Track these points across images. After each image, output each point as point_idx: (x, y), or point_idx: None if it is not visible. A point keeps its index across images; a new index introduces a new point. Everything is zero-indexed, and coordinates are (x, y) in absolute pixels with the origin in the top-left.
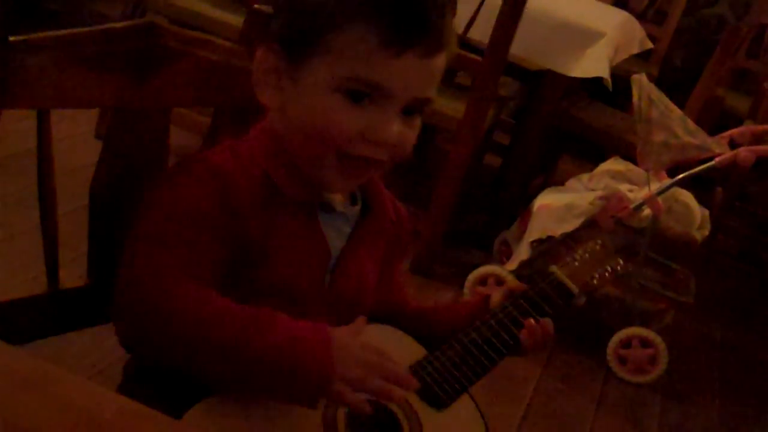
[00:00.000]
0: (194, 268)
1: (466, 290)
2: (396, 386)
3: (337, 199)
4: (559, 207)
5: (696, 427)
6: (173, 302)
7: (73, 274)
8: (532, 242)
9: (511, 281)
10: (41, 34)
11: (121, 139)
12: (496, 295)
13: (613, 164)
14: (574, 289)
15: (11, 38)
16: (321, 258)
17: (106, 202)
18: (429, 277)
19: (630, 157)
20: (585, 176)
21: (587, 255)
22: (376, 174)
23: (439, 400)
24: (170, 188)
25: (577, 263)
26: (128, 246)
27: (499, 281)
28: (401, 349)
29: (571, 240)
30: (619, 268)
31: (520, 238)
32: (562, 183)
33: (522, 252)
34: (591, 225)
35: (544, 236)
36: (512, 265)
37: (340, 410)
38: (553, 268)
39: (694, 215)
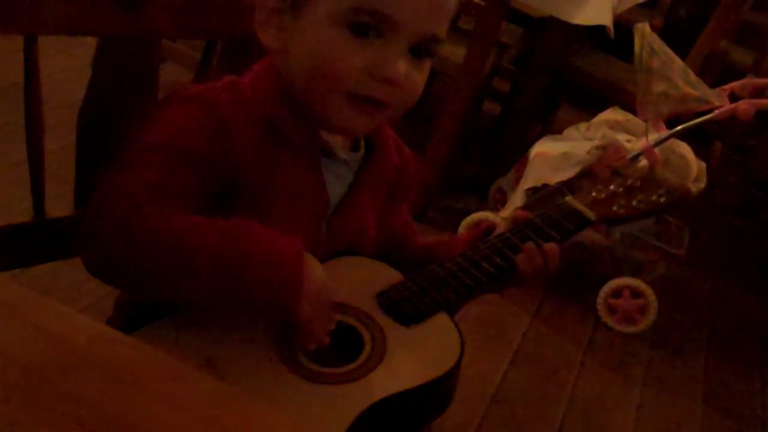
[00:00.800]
0: (166, 193)
1: (459, 234)
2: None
3: (339, 145)
4: (555, 155)
5: (681, 379)
6: (141, 220)
7: (66, 206)
8: (527, 190)
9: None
10: None
11: (110, 70)
12: (502, 226)
13: (612, 114)
14: (591, 215)
15: None
16: (320, 204)
17: (94, 132)
18: (423, 222)
19: (630, 107)
20: (583, 125)
21: (619, 189)
22: (386, 119)
23: (407, 317)
24: (159, 119)
25: (603, 195)
26: (114, 160)
27: (493, 228)
28: (376, 275)
29: (566, 188)
30: (662, 200)
31: (515, 185)
32: (560, 131)
33: (517, 199)
34: (587, 174)
35: (539, 184)
36: (506, 212)
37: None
38: (568, 197)
39: (690, 167)
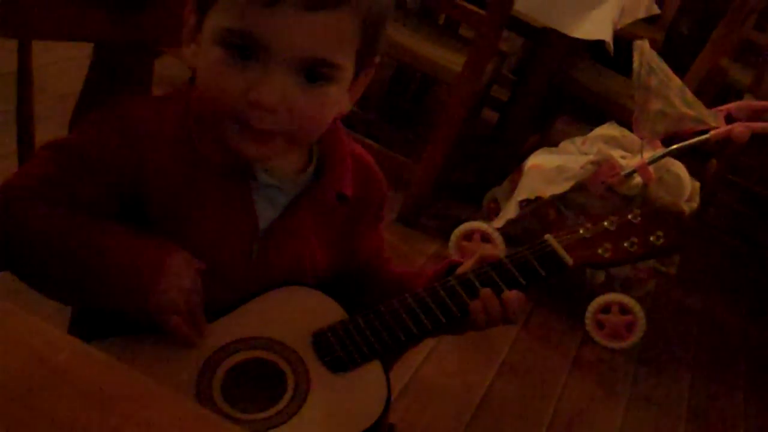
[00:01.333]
0: (55, 191)
1: (451, 244)
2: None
3: (277, 168)
4: (550, 168)
5: (666, 396)
6: (17, 209)
7: None
8: (521, 201)
9: (496, 238)
10: None
11: (104, 72)
12: (467, 263)
13: (608, 129)
14: (568, 260)
15: None
16: (246, 229)
17: None
18: (415, 228)
19: (626, 122)
20: (579, 139)
21: (612, 227)
22: (287, 146)
23: (338, 363)
24: (77, 131)
25: (589, 233)
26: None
27: (485, 237)
28: (316, 311)
29: (559, 202)
30: (661, 242)
31: (509, 196)
32: (556, 143)
33: (510, 210)
34: (581, 189)
35: (532, 196)
36: (499, 222)
37: (217, 372)
38: (548, 237)
39: (684, 186)
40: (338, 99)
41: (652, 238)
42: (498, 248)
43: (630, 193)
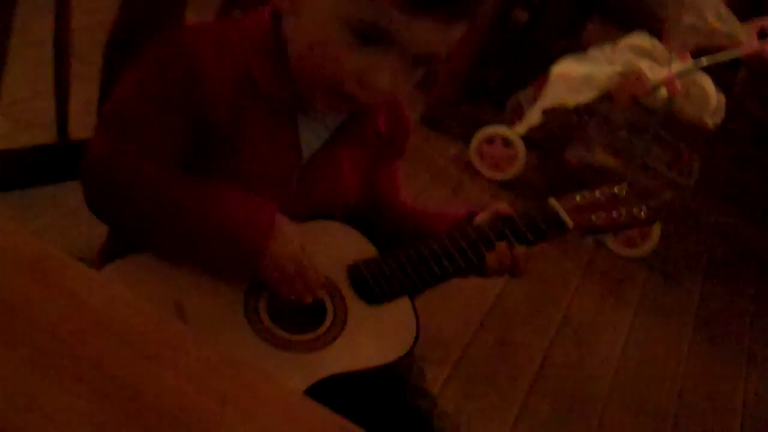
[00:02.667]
0: (154, 152)
1: (472, 147)
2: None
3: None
4: (576, 77)
5: (675, 305)
6: (130, 178)
7: (83, 89)
8: (545, 109)
9: (517, 144)
10: None
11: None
12: (483, 215)
13: (638, 39)
14: (569, 223)
15: None
16: (290, 156)
17: (120, 57)
18: (437, 130)
19: (658, 31)
20: (608, 47)
21: (602, 197)
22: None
23: (373, 296)
24: (142, 65)
25: (584, 200)
26: (101, 117)
27: (506, 142)
28: (350, 246)
29: (583, 111)
30: (642, 214)
31: (534, 101)
32: (586, 46)
33: (533, 117)
34: (606, 98)
35: (557, 104)
36: (521, 128)
37: (261, 296)
38: (551, 200)
39: (709, 101)
40: None
41: (635, 210)
42: (519, 154)
43: (654, 106)
